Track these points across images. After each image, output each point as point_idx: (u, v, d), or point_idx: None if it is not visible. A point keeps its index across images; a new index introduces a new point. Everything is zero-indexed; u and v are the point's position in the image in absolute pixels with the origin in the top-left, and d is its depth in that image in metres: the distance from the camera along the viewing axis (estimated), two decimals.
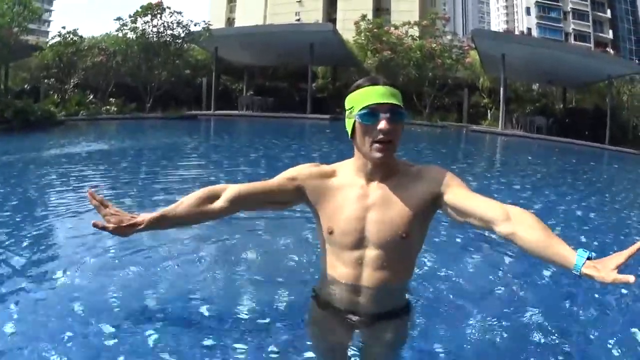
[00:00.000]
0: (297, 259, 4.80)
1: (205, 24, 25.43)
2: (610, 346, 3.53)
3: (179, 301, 3.76)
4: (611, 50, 42.81)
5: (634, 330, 3.76)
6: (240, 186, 2.28)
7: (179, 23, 24.46)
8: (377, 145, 2.00)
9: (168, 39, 24.32)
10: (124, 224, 2.07)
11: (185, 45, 25.31)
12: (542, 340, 3.48)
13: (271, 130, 20.46)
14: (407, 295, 2.39)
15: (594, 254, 1.71)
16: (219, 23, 56.70)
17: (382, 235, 2.09)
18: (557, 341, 3.53)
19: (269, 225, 6.12)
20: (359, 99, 2.02)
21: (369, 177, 2.13)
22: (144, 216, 2.15)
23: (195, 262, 4.53)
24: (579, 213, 9.04)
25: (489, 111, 27.66)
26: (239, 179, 9.68)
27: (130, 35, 23.64)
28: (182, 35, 24.64)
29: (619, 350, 3.43)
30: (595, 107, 29.31)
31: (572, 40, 65.35)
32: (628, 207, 10.32)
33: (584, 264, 1.67)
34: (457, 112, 26.44)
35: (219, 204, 2.22)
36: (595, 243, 6.98)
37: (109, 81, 23.33)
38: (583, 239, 6.92)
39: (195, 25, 24.98)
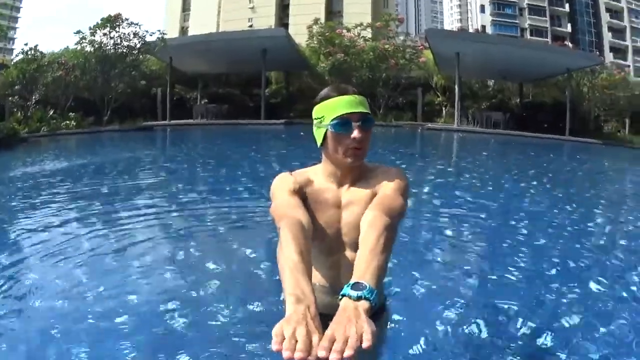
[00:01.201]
0: (262, 265, 4.87)
1: (160, 33, 25.20)
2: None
3: (152, 316, 3.74)
4: (570, 44, 43.26)
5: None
6: (296, 214, 1.98)
7: (135, 34, 24.25)
8: (350, 151, 2.04)
9: (124, 51, 24.10)
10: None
11: (141, 56, 25.09)
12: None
13: (227, 138, 20.45)
14: (382, 295, 2.35)
15: (370, 302, 1.48)
16: (173, 32, 56.45)
17: (355, 237, 2.02)
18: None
19: (231, 232, 6.25)
20: (329, 109, 2.03)
21: (340, 181, 2.16)
22: (303, 312, 1.54)
23: (163, 275, 4.55)
24: (541, 205, 9.17)
25: (443, 109, 27.84)
26: (200, 188, 9.69)
27: (88, 48, 23.44)
28: (138, 46, 24.41)
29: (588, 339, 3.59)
30: (554, 100, 29.63)
31: (528, 35, 66.09)
32: (589, 196, 10.61)
33: (347, 295, 1.52)
34: (411, 111, 26.48)
35: (309, 233, 1.95)
36: (550, 230, 7.19)
37: (68, 96, 23.13)
38: (550, 230, 7.13)
39: (150, 35, 24.84)
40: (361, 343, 1.33)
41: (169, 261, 4.93)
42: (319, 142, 2.12)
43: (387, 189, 2.08)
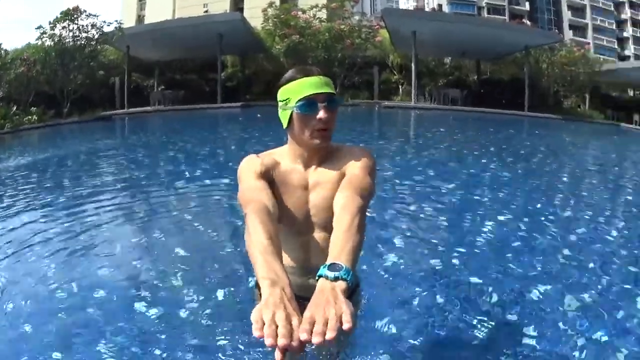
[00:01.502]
0: (229, 250, 4.82)
1: (118, 23, 24.97)
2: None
3: (121, 308, 3.67)
4: (528, 22, 43.73)
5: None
6: (262, 198, 1.96)
7: (93, 25, 23.98)
8: (316, 133, 2.03)
9: (83, 42, 23.84)
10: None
11: (99, 46, 24.87)
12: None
13: (185, 123, 20.23)
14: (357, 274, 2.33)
15: (347, 282, 1.47)
16: (130, 21, 55.44)
17: (325, 217, 2.10)
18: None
19: (195, 217, 6.16)
20: (294, 91, 2.02)
21: (306, 163, 2.15)
22: (279, 295, 1.49)
23: (130, 265, 4.47)
24: (504, 178, 9.27)
25: (400, 87, 27.95)
26: (161, 176, 9.47)
27: (49, 42, 23.19)
28: (96, 37, 24.18)
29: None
30: (513, 77, 29.90)
31: (485, 14, 66.46)
32: (551, 170, 10.69)
33: (323, 276, 1.49)
34: (368, 90, 26.54)
35: (275, 217, 1.94)
36: (514, 204, 7.24)
37: (30, 91, 22.77)
38: (513, 204, 7.21)
39: (108, 25, 24.53)
40: (341, 325, 1.31)
41: (135, 250, 4.88)
42: (284, 124, 2.12)
43: (355, 168, 2.08)
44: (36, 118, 21.52)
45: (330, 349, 2.49)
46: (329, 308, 1.35)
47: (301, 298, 1.99)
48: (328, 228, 2.01)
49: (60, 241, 5.22)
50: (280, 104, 2.10)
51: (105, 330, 3.31)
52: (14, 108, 21.54)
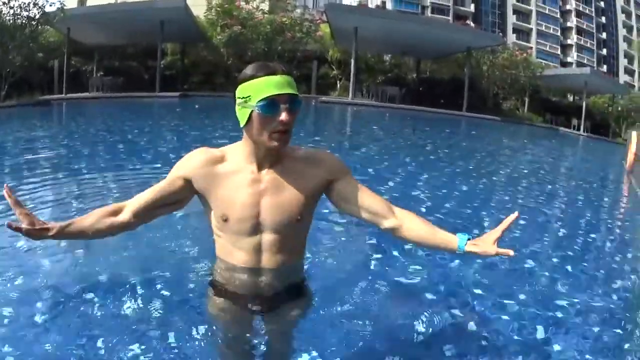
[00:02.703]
0: (177, 249, 4.64)
1: (60, 3, 24.30)
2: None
3: (67, 305, 3.55)
4: (472, 24, 44.57)
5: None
6: (138, 197, 2.23)
7: (35, 4, 23.07)
8: (275, 135, 1.97)
9: (24, 22, 23.00)
10: (36, 227, 1.98)
11: (40, 27, 24.13)
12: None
13: (123, 111, 19.90)
14: (302, 274, 2.43)
15: (471, 236, 2.07)
16: (72, 2, 54.16)
17: (278, 219, 2.10)
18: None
19: None
20: (256, 89, 1.93)
21: (259, 162, 2.10)
22: (54, 224, 2.08)
23: (73, 266, 4.23)
24: (439, 178, 9.32)
25: (338, 82, 28.22)
26: (101, 164, 9.16)
27: None
28: (37, 16, 23.40)
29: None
30: (453, 77, 30.49)
31: (429, 13, 67.36)
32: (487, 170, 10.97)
33: (465, 244, 2.05)
34: (305, 84, 26.78)
35: (123, 216, 2.19)
36: (451, 202, 7.34)
37: None
38: (450, 202, 7.28)
39: (50, 5, 23.71)
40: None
41: (75, 247, 4.59)
42: (242, 122, 2.04)
43: (351, 181, 2.24)
44: None
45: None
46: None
47: (251, 296, 2.27)
48: (281, 231, 2.12)
49: None
50: (239, 100, 2.02)
51: (50, 327, 3.24)
52: None
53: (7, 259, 4.30)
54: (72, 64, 27.13)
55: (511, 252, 1.99)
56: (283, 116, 1.92)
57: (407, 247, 4.99)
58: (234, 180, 2.10)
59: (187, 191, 2.19)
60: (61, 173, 8.30)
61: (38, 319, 3.34)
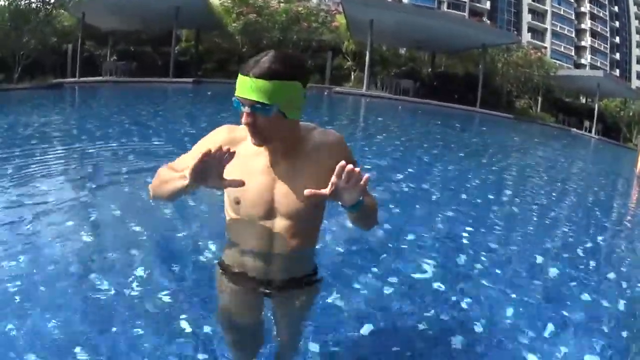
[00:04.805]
0: (185, 233, 4.69)
1: None
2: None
3: (74, 286, 3.56)
4: (487, 20, 44.41)
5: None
6: (163, 168, 2.17)
7: None
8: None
9: (39, 5, 23.05)
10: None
11: (54, 11, 24.18)
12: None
13: (136, 96, 19.92)
14: (314, 261, 2.38)
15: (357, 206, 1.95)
16: None
17: (292, 205, 2.06)
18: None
19: (146, 192, 5.92)
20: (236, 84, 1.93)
21: (273, 148, 2.05)
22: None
23: (82, 247, 4.26)
24: (452, 172, 9.42)
25: (352, 73, 28.09)
26: (113, 146, 9.16)
27: (2, 2, 22.23)
28: (52, 0, 23.43)
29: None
30: (467, 72, 30.32)
31: (445, 8, 67.17)
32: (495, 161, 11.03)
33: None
34: (319, 74, 26.64)
35: None
36: (464, 195, 7.45)
37: None
38: (460, 200, 7.31)
39: None
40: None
41: (88, 226, 4.71)
42: None
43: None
44: None
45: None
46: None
47: (261, 280, 2.23)
48: (294, 217, 2.09)
49: (9, 214, 4.99)
50: None
51: (57, 308, 3.22)
52: None
53: (14, 244, 4.25)
54: (85, 49, 27.09)
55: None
56: (243, 118, 1.90)
57: (412, 237, 5.11)
58: (251, 163, 2.07)
59: None
60: (74, 152, 8.35)
61: (49, 297, 3.35)
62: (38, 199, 5.76)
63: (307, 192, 1.84)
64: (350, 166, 1.79)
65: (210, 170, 1.86)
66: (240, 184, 1.90)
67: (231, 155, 1.85)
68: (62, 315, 3.13)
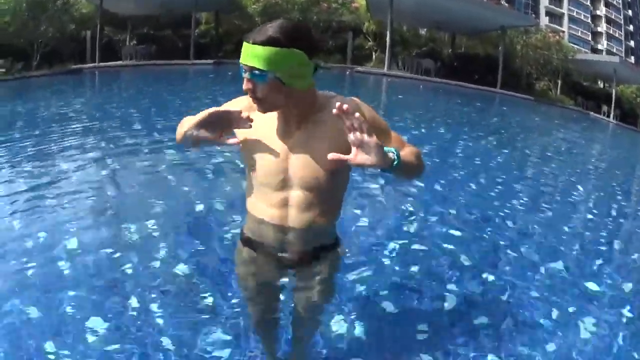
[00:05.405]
0: (202, 204, 4.75)
1: None
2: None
3: (95, 264, 3.61)
4: (505, 4, 44.13)
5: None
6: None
7: None
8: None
9: None
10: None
11: None
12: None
13: (157, 78, 20.07)
14: (335, 235, 2.33)
15: (394, 155, 1.87)
16: None
17: (307, 175, 2.04)
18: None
19: (168, 171, 6.08)
20: None
21: (289, 117, 2.03)
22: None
23: (103, 220, 4.37)
24: (471, 149, 9.43)
25: (373, 53, 27.98)
26: (134, 127, 9.30)
27: None
28: None
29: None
30: (487, 54, 30.18)
31: None
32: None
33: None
34: (340, 54, 26.52)
35: None
36: (483, 175, 7.40)
37: None
38: (483, 177, 7.31)
39: None
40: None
41: (109, 206, 4.79)
42: None
43: (385, 133, 2.07)
44: (4, 70, 20.95)
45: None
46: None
47: (279, 251, 2.24)
48: (310, 188, 2.05)
49: (31, 195, 5.09)
50: None
51: (77, 285, 3.28)
52: None
53: (36, 224, 4.34)
54: (104, 34, 27.14)
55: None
56: (244, 83, 1.90)
57: (440, 209, 5.20)
58: (267, 132, 2.06)
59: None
60: (102, 145, 8.10)
61: (70, 279, 3.40)
62: (59, 176, 5.91)
63: (330, 155, 1.80)
64: (345, 106, 1.71)
65: (219, 125, 1.97)
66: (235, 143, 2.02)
67: (245, 121, 1.95)
68: (83, 291, 3.20)
